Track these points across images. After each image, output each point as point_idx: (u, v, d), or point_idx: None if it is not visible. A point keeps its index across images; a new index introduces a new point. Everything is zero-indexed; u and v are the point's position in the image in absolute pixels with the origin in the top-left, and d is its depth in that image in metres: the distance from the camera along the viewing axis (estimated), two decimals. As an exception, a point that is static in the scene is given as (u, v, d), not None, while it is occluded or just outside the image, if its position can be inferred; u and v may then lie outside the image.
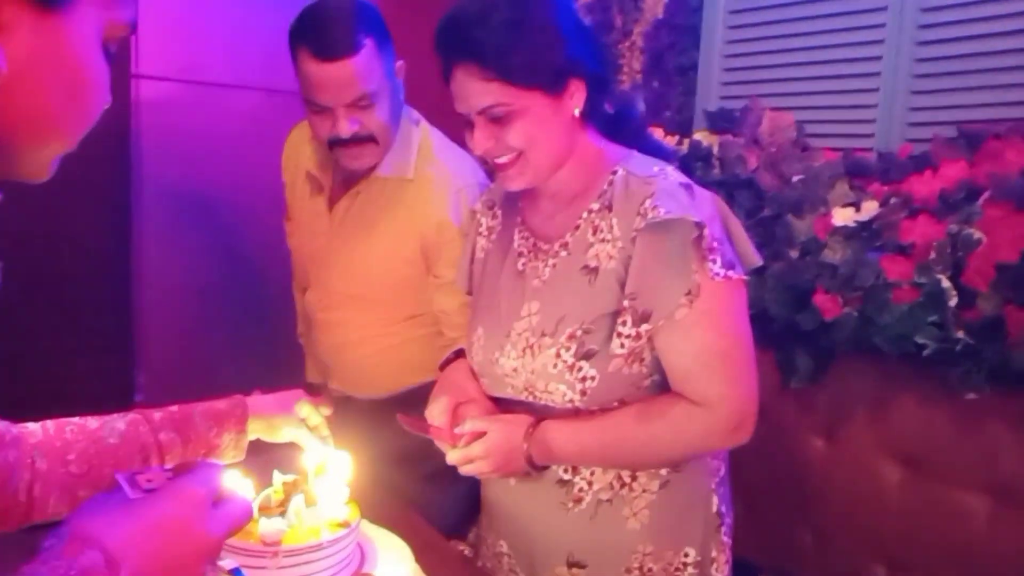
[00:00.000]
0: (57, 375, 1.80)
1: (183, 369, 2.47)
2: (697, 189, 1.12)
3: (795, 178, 1.76)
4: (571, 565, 1.21)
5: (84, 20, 0.55)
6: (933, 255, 1.47)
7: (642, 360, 1.13)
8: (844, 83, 1.96)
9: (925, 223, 1.52)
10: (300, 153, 1.66)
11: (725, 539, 1.24)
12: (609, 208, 1.13)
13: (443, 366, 1.44)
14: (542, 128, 1.10)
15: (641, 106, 1.35)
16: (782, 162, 1.78)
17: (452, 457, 1.17)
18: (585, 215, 1.16)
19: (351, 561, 1.13)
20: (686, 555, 1.20)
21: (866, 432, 1.80)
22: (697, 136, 2.03)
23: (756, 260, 1.18)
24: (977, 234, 1.45)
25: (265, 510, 1.07)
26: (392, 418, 1.60)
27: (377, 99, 1.43)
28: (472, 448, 1.15)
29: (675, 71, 2.34)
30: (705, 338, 1.09)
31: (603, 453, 1.15)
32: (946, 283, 1.46)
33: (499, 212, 1.32)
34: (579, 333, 1.12)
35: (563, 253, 1.17)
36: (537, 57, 1.07)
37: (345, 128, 1.42)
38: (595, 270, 1.13)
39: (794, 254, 1.73)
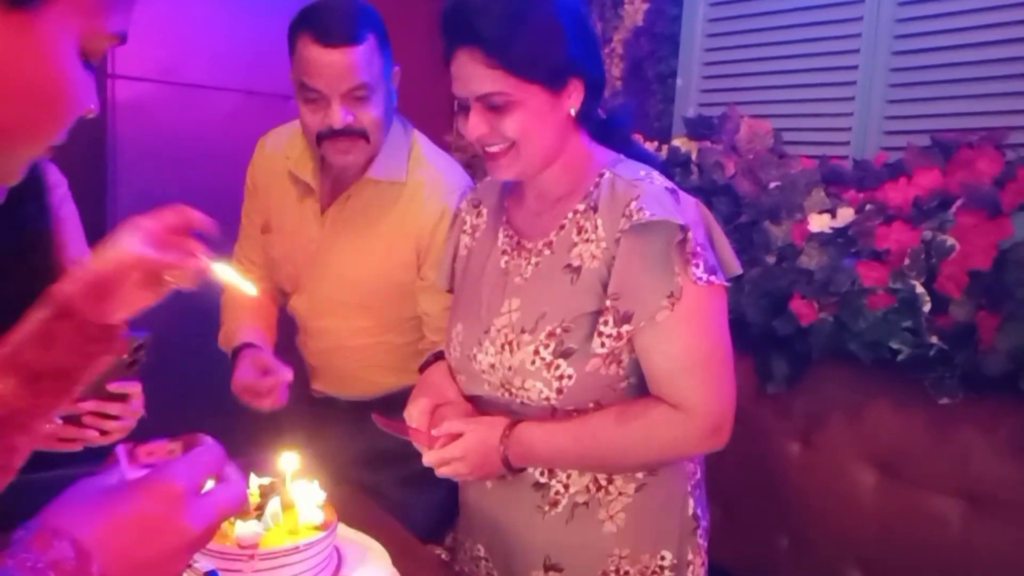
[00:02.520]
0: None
1: (158, 373, 2.44)
2: (682, 194, 1.13)
3: (772, 185, 1.78)
4: (548, 568, 1.21)
5: (59, 23, 0.53)
6: (907, 261, 1.49)
7: (620, 362, 1.14)
8: (820, 91, 1.99)
9: (900, 230, 1.54)
10: (279, 158, 1.62)
11: (701, 542, 1.25)
12: (595, 209, 1.14)
13: (423, 368, 1.44)
14: (537, 122, 1.11)
15: (630, 115, 1.36)
16: (759, 169, 1.79)
17: (428, 458, 1.17)
18: (570, 215, 1.17)
19: (328, 564, 1.12)
20: (662, 558, 1.20)
21: (842, 437, 1.81)
22: (676, 142, 2.04)
23: (737, 268, 1.19)
24: (950, 241, 1.48)
25: (241, 513, 1.06)
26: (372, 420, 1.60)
27: (372, 93, 1.42)
28: (448, 450, 1.15)
29: (654, 78, 2.36)
30: (685, 341, 1.10)
31: (580, 455, 1.16)
32: (920, 289, 1.48)
33: (484, 211, 1.32)
34: (558, 331, 1.13)
35: (547, 252, 1.18)
36: (540, 51, 1.08)
37: (338, 118, 1.41)
38: (577, 269, 1.13)
39: (771, 260, 1.74)
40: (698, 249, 1.08)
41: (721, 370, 1.12)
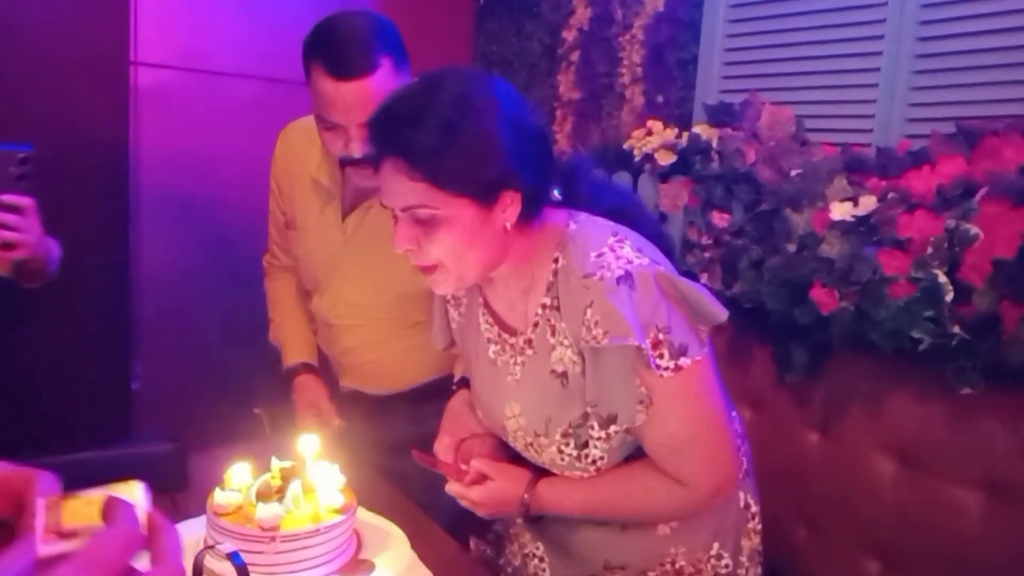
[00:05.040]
0: (55, 364, 1.79)
1: (180, 357, 2.48)
2: (637, 275, 1.03)
3: (793, 172, 1.77)
4: (608, 568, 1.24)
5: None
6: (930, 250, 1.48)
7: None
8: (843, 78, 1.96)
9: (923, 218, 1.52)
10: (301, 159, 1.61)
11: (753, 527, 1.28)
12: (559, 308, 1.10)
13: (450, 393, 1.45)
14: (467, 239, 1.04)
15: (588, 169, 1.28)
16: (781, 156, 1.78)
17: (450, 489, 1.20)
18: (540, 311, 1.13)
19: (347, 547, 1.14)
20: (716, 552, 1.23)
21: (861, 427, 1.80)
22: (696, 129, 2.03)
23: (720, 316, 1.09)
24: (974, 230, 1.46)
25: (263, 496, 1.08)
26: (399, 412, 1.63)
27: None
28: (469, 492, 1.18)
29: (675, 65, 2.34)
30: (670, 430, 1.10)
31: (591, 514, 1.20)
32: (943, 278, 1.46)
33: None
34: (571, 430, 1.14)
35: (529, 351, 1.15)
36: (470, 165, 1.01)
37: (358, 149, 1.37)
38: (564, 375, 1.12)
39: (791, 248, 1.73)
40: (660, 339, 1.04)
41: (715, 442, 1.13)
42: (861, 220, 1.61)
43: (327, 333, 1.69)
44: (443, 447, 1.26)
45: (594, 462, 1.15)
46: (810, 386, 1.88)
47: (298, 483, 1.10)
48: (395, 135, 1.02)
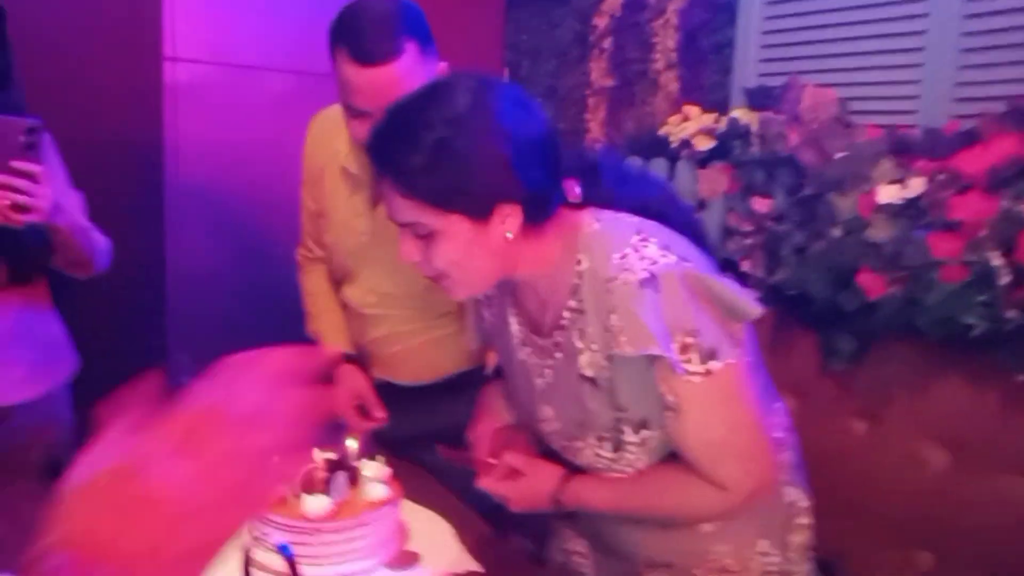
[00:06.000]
0: (89, 363, 1.80)
1: (214, 352, 2.48)
2: (662, 276, 1.00)
3: (837, 155, 1.72)
4: (651, 566, 1.21)
5: None
6: (985, 232, 1.43)
7: None
8: (886, 58, 1.91)
9: (975, 200, 1.47)
10: (329, 147, 1.60)
11: (803, 522, 1.24)
12: (585, 311, 1.07)
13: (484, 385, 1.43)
14: (465, 252, 1.03)
15: (611, 162, 1.23)
16: (824, 139, 1.74)
17: (483, 484, 1.19)
18: (567, 314, 1.09)
19: (394, 538, 1.13)
20: (763, 549, 1.20)
21: (909, 415, 1.76)
22: (735, 114, 1.99)
23: (754, 311, 1.05)
24: (1030, 211, 1.41)
25: (308, 487, 1.07)
26: (431, 403, 1.62)
27: None
28: (500, 486, 1.17)
29: (710, 49, 2.30)
30: (703, 435, 1.07)
31: (627, 513, 1.18)
32: (997, 261, 1.42)
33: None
34: (605, 434, 1.11)
35: (558, 355, 1.13)
36: (458, 184, 0.99)
37: None
38: (593, 380, 1.09)
39: (836, 233, 1.69)
40: (688, 343, 1.00)
41: (749, 444, 1.09)
42: (909, 203, 1.56)
43: (357, 322, 1.68)
44: (477, 437, 1.25)
45: (631, 464, 1.13)
46: (854, 374, 1.84)
47: (343, 475, 1.09)
48: (385, 156, 1.03)
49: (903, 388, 1.77)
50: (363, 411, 1.59)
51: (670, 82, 2.42)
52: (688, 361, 1.01)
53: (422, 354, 1.64)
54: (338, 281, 1.70)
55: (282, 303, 2.21)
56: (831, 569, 1.54)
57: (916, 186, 1.56)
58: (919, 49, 1.84)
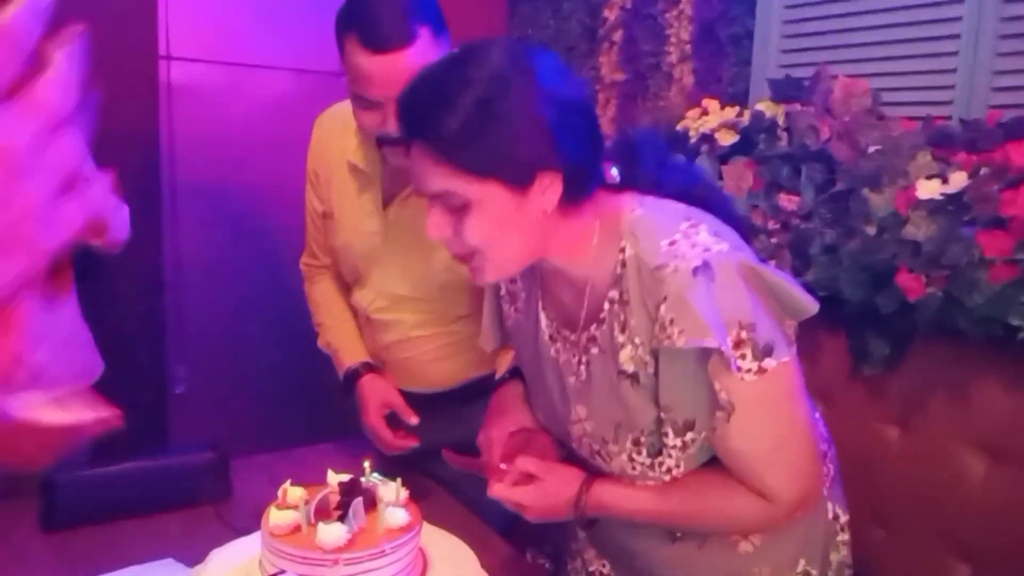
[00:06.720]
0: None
1: (219, 359, 2.41)
2: (717, 264, 0.93)
3: (871, 149, 1.64)
4: None
5: None
6: (1038, 229, 1.35)
7: None
8: (919, 47, 1.82)
9: (1026, 194, 1.39)
10: (337, 145, 1.54)
11: (841, 538, 1.17)
12: (628, 302, 0.99)
13: (496, 386, 1.34)
14: (500, 226, 0.96)
15: (653, 145, 1.14)
16: (857, 132, 1.65)
17: (495, 492, 1.08)
18: (607, 306, 1.01)
19: (414, 567, 1.04)
20: (802, 566, 1.12)
21: (946, 420, 1.68)
22: (759, 107, 1.90)
23: (811, 308, 0.99)
24: (1084, 206, 1.33)
25: (323, 514, 0.98)
26: (445, 412, 1.53)
27: None
28: (515, 492, 1.07)
29: (727, 40, 2.21)
30: (752, 439, 0.99)
31: (656, 521, 1.09)
32: (1050, 259, 1.34)
33: (519, 279, 1.19)
34: (643, 438, 1.02)
35: (594, 350, 1.04)
36: (499, 148, 0.92)
37: (396, 126, 1.31)
38: (634, 376, 1.00)
39: (871, 231, 1.60)
40: (743, 337, 0.93)
41: (798, 451, 1.01)
42: (951, 198, 1.48)
43: (368, 329, 1.61)
44: (488, 442, 1.15)
45: (668, 471, 1.04)
46: (886, 378, 1.76)
47: (359, 501, 1.00)
48: (420, 119, 0.95)
49: (938, 392, 1.69)
50: (394, 421, 1.49)
51: (685, 75, 2.33)
52: (742, 357, 0.92)
53: (435, 361, 1.57)
54: (347, 286, 1.62)
55: (280, 300, 2.14)
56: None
57: (958, 180, 1.48)
58: (954, 36, 1.75)
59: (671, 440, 1.00)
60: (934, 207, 1.49)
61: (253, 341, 2.43)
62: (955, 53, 1.75)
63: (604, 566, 1.21)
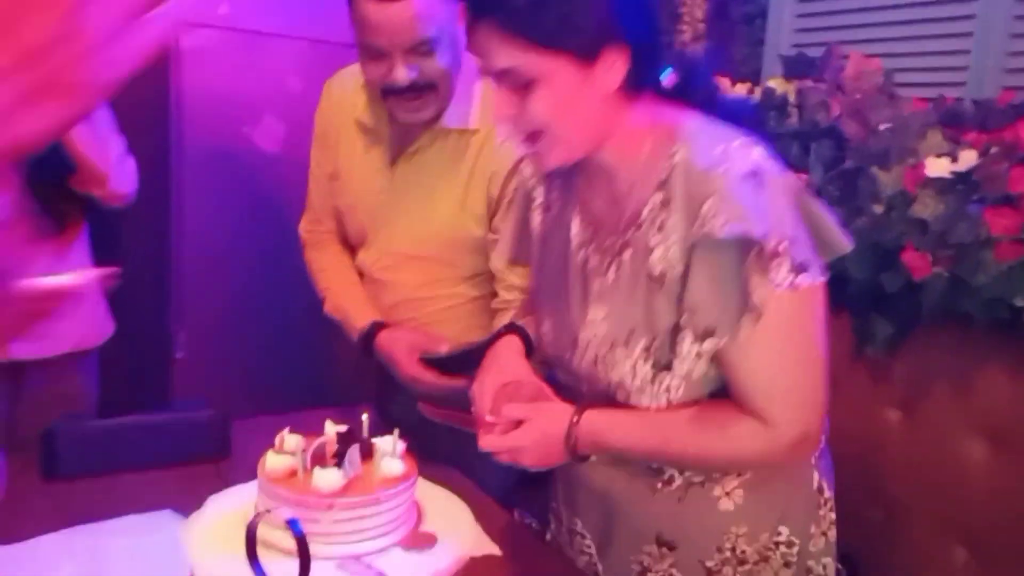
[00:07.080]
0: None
1: (223, 325, 2.41)
2: (768, 176, 0.94)
3: (882, 127, 1.62)
4: (661, 544, 1.11)
5: None
6: (1047, 206, 1.34)
7: None
8: (932, 27, 1.82)
9: (1035, 172, 1.38)
10: (346, 104, 1.55)
11: (826, 514, 1.14)
12: (670, 203, 0.98)
13: (493, 341, 1.33)
14: (568, 102, 0.96)
15: (711, 65, 1.14)
16: (868, 110, 1.64)
17: (486, 444, 1.06)
18: (648, 209, 1.01)
19: (408, 518, 1.04)
20: (780, 534, 1.10)
21: (948, 405, 1.67)
22: (771, 83, 1.89)
23: (845, 246, 1.01)
24: (1093, 186, 1.32)
25: (319, 461, 0.99)
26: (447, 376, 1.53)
27: (437, 46, 1.32)
28: (510, 438, 1.05)
29: (741, 19, 2.21)
30: (769, 356, 0.97)
31: (650, 453, 1.07)
32: (1058, 238, 1.32)
33: (555, 186, 1.19)
34: (653, 347, 1.01)
35: (626, 252, 1.03)
36: (567, 17, 0.93)
37: (403, 75, 1.31)
38: (662, 277, 0.99)
39: (878, 209, 1.59)
40: (781, 248, 0.92)
41: (811, 381, 1.00)
42: (960, 177, 1.47)
43: (372, 289, 1.61)
44: (480, 392, 1.14)
45: (667, 389, 1.01)
46: (890, 361, 1.75)
47: (356, 448, 1.01)
48: None
49: (942, 376, 1.68)
50: (427, 362, 1.45)
51: (697, 54, 2.32)
52: (778, 267, 0.92)
53: (437, 324, 1.56)
54: (352, 248, 1.62)
55: (290, 270, 2.13)
56: (854, 564, 1.46)
57: (968, 159, 1.47)
58: (968, 16, 1.74)
59: (686, 348, 0.98)
60: (943, 186, 1.49)
61: (254, 308, 2.43)
62: (969, 34, 1.74)
63: (576, 524, 1.20)
